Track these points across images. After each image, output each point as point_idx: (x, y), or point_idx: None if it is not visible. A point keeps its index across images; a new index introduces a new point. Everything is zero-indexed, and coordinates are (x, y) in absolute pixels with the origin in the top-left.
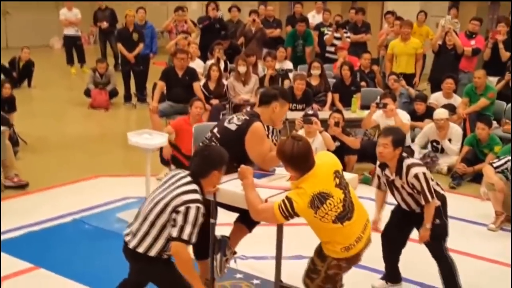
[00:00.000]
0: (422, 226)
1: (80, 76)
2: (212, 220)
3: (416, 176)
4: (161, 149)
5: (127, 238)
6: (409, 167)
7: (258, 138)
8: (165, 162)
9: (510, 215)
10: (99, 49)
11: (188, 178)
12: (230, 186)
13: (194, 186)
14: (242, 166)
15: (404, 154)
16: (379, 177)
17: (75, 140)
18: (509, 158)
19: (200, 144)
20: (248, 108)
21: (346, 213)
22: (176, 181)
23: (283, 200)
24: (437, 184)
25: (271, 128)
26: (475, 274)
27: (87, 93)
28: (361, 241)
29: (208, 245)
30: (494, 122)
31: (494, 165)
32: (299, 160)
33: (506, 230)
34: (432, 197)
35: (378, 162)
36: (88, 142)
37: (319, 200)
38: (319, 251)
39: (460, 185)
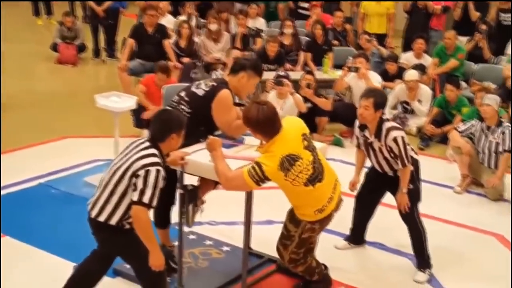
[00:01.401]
0: (398, 191)
1: (47, 28)
2: (180, 191)
3: (395, 140)
4: (134, 112)
5: (89, 207)
6: (388, 130)
7: (224, 106)
8: (139, 125)
9: (476, 178)
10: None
11: (147, 143)
12: (198, 157)
13: (153, 150)
14: (211, 137)
15: (384, 117)
16: (357, 138)
17: (41, 98)
18: (474, 122)
19: (167, 107)
20: (220, 70)
21: (316, 175)
22: (134, 147)
23: (252, 166)
24: (412, 149)
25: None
26: (440, 238)
27: (54, 47)
28: (333, 201)
29: (169, 213)
30: (463, 83)
31: (460, 129)
32: (265, 124)
33: (471, 192)
34: (408, 162)
35: (357, 123)
36: (55, 100)
37: (288, 162)
38: (291, 217)
39: (428, 146)
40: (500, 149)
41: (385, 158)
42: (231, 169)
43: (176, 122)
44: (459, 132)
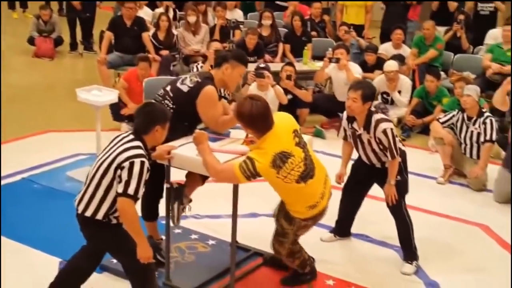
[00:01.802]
0: (386, 183)
1: (23, 21)
2: (166, 185)
3: (384, 132)
4: (111, 106)
5: (76, 203)
6: (378, 122)
7: (209, 102)
8: (118, 118)
9: (458, 169)
10: None
11: (131, 136)
12: (185, 151)
13: (137, 143)
14: (197, 131)
15: (373, 109)
16: (345, 130)
17: (19, 92)
18: (454, 113)
19: (152, 100)
20: (200, 63)
21: (308, 171)
22: (118, 141)
23: (244, 161)
24: (399, 140)
25: (222, 91)
26: (425, 229)
27: (31, 41)
28: (325, 197)
29: (157, 206)
30: (442, 73)
31: (441, 120)
32: (258, 120)
33: (454, 183)
34: (397, 153)
35: (345, 115)
36: (34, 94)
37: (280, 159)
38: (285, 215)
39: (409, 137)
40: (482, 139)
41: (373, 150)
42: (220, 161)
43: (160, 114)
44: (441, 123)
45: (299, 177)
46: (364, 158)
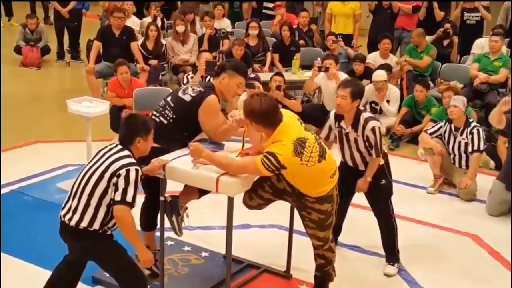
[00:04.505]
0: (363, 178)
1: (8, 30)
2: (161, 198)
3: (373, 130)
4: (111, 115)
5: (67, 217)
6: (367, 120)
7: (211, 111)
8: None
9: (448, 178)
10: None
11: (119, 147)
12: (179, 164)
13: (127, 152)
14: (192, 144)
15: (361, 107)
16: (330, 129)
17: (7, 102)
18: (442, 124)
19: (154, 112)
20: (191, 73)
21: (323, 148)
22: (106, 152)
23: (265, 156)
24: (387, 147)
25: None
26: (415, 239)
27: (17, 50)
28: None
29: (156, 216)
30: (430, 82)
31: (429, 131)
32: (269, 114)
33: (444, 193)
34: (381, 153)
35: (332, 113)
36: (22, 103)
37: (299, 145)
38: (316, 200)
39: (398, 147)
40: (470, 149)
41: (358, 150)
42: (231, 157)
43: (141, 126)
44: (428, 134)
45: (319, 156)
46: (349, 159)
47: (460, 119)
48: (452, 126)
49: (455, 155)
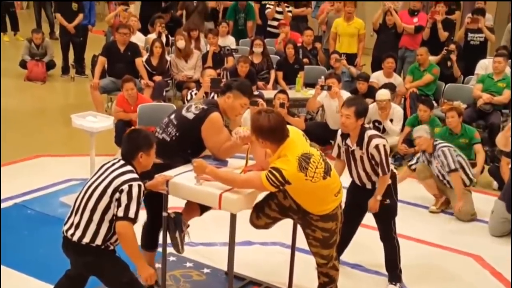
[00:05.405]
0: (373, 197)
1: (14, 45)
2: (164, 214)
3: (377, 147)
4: (117, 129)
5: (70, 232)
6: (371, 137)
7: (215, 128)
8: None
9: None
10: (32, 14)
11: (121, 162)
12: (183, 180)
13: (129, 167)
14: (195, 160)
15: (366, 125)
16: (339, 147)
17: (11, 116)
18: (418, 155)
19: (157, 129)
20: (194, 90)
21: (328, 165)
22: (109, 167)
23: (270, 171)
24: (392, 163)
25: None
26: (417, 259)
27: (23, 64)
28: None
29: (157, 235)
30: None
31: (411, 166)
32: (277, 130)
33: (447, 213)
34: (388, 170)
35: (339, 132)
36: (26, 118)
37: (304, 161)
38: (320, 219)
39: (401, 166)
40: (444, 171)
41: (364, 170)
42: (235, 172)
43: (143, 141)
44: (410, 167)
45: (324, 173)
46: (356, 178)
47: (429, 147)
48: (426, 154)
49: (444, 178)
